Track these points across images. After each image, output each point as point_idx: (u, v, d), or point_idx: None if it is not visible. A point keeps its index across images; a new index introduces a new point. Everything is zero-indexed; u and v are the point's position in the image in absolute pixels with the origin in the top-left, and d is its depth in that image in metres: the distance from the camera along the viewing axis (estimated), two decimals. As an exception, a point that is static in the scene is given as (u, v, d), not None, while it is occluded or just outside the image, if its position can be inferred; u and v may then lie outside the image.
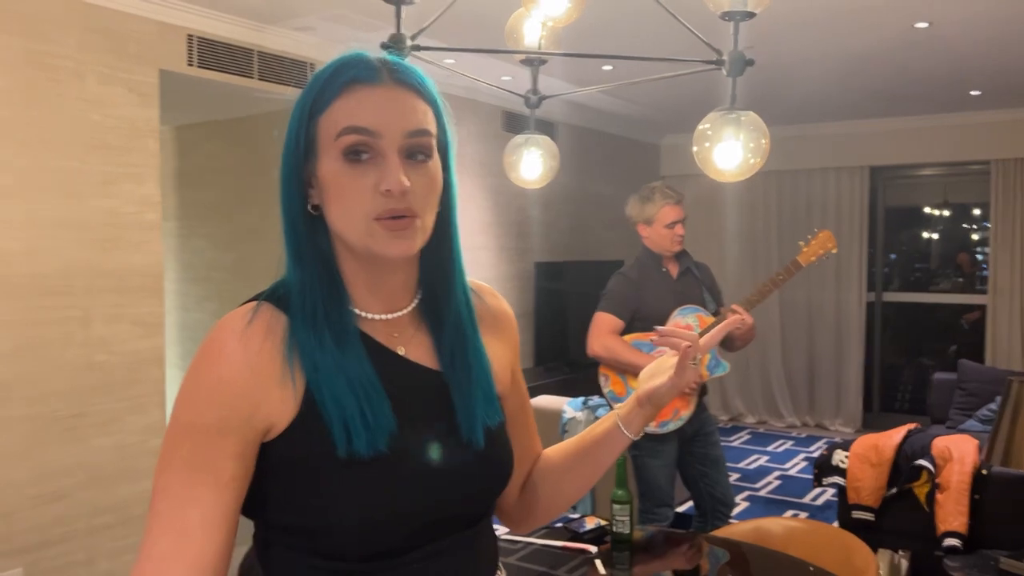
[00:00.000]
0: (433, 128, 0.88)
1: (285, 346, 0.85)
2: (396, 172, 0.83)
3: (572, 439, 1.11)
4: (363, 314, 0.91)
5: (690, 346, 0.99)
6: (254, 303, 0.88)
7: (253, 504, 0.86)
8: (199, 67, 3.42)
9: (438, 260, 0.94)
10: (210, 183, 4.67)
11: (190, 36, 3.38)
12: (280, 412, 0.84)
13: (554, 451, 1.13)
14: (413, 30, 1.85)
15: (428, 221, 0.88)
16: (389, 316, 0.93)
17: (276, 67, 3.71)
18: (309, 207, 0.88)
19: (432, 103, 0.89)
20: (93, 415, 3.07)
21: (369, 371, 0.87)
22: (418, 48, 1.76)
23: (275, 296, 0.88)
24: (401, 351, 0.92)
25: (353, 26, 3.63)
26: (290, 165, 0.86)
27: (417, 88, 0.87)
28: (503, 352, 1.03)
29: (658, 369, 1.04)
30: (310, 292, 0.86)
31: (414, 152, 0.85)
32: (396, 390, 0.88)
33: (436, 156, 0.89)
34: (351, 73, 0.84)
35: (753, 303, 3.03)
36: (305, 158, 0.86)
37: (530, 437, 1.11)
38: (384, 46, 1.72)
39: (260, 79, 3.65)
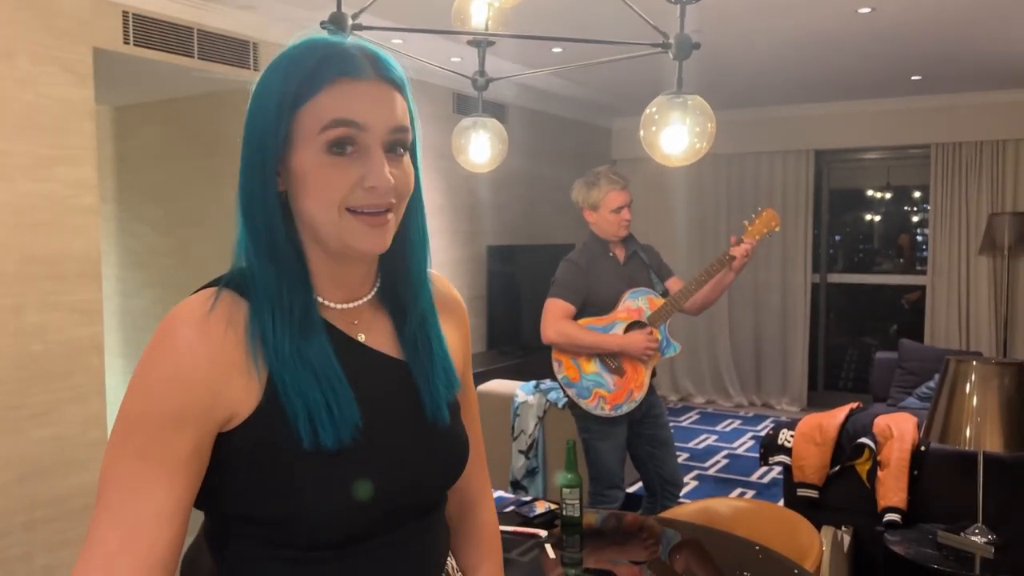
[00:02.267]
0: (408, 123, 0.88)
1: (247, 335, 0.84)
2: (382, 168, 0.83)
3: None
4: (324, 302, 0.91)
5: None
6: (214, 289, 0.86)
7: (207, 495, 0.85)
8: (136, 45, 3.29)
9: (404, 249, 0.94)
10: (151, 165, 4.53)
11: (125, 13, 3.25)
12: (242, 401, 0.83)
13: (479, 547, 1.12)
14: (355, 8, 1.80)
15: (400, 214, 0.89)
16: (350, 305, 0.93)
17: (217, 46, 3.60)
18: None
19: (407, 97, 0.89)
20: (29, 407, 2.97)
21: (334, 363, 0.87)
22: (360, 27, 1.71)
23: (235, 283, 0.86)
24: (362, 338, 0.93)
25: (295, 4, 3.54)
26: (264, 154, 0.84)
27: (398, 83, 0.87)
28: (454, 339, 1.05)
29: None
30: (277, 281, 0.85)
31: (395, 146, 0.86)
32: (359, 379, 0.89)
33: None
34: (338, 68, 0.83)
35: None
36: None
37: (474, 442, 1.08)
38: (324, 25, 1.67)
39: (200, 58, 3.53)
